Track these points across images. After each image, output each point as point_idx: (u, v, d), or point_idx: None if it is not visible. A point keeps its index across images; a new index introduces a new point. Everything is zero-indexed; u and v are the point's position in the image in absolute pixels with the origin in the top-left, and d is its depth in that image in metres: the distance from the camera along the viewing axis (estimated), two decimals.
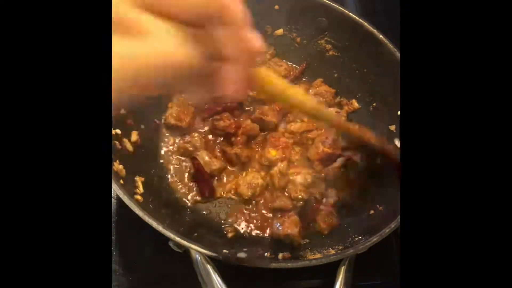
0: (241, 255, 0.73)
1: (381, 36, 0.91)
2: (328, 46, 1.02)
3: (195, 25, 0.36)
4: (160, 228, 0.63)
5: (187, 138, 0.90)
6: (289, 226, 0.80)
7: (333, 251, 0.75)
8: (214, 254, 0.63)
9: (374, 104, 0.97)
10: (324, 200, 0.87)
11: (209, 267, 0.62)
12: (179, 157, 0.90)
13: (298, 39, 1.05)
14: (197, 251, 0.63)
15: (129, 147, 0.83)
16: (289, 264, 0.67)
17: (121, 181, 0.73)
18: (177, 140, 0.92)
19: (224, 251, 0.73)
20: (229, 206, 0.87)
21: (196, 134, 0.91)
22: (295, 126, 0.94)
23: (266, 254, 0.79)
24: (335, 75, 1.04)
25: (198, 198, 0.86)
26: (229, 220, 0.85)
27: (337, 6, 0.96)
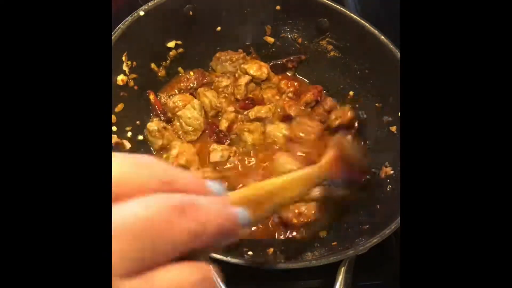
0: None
1: (382, 36, 0.91)
2: (330, 47, 1.02)
3: None
4: None
5: None
6: None
7: (333, 252, 0.75)
8: (214, 254, 0.63)
9: (376, 105, 0.96)
10: None
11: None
12: None
13: (300, 40, 1.05)
14: None
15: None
16: (289, 265, 0.67)
17: None
18: None
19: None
20: None
21: None
22: None
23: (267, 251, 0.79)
24: (337, 76, 1.04)
25: None
26: None
27: (339, 7, 0.96)
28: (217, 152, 0.90)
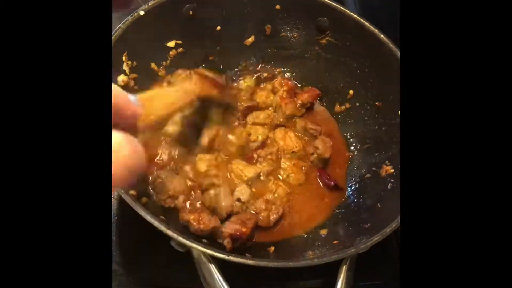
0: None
1: (382, 35, 0.91)
2: (329, 46, 1.02)
3: None
4: (162, 227, 0.63)
5: None
6: None
7: (334, 250, 0.75)
8: (216, 254, 0.63)
9: (376, 103, 0.97)
10: None
11: (211, 266, 0.62)
12: None
13: (300, 39, 1.05)
14: (199, 250, 0.63)
15: None
16: (290, 264, 0.67)
17: None
18: None
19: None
20: None
21: None
22: None
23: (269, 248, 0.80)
24: (336, 75, 1.04)
25: None
26: None
27: (338, 6, 0.96)
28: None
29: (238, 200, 0.84)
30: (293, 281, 0.82)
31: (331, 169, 0.97)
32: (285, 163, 0.94)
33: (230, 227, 0.77)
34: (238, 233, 0.77)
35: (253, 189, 0.88)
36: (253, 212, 0.83)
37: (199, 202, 0.83)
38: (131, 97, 0.47)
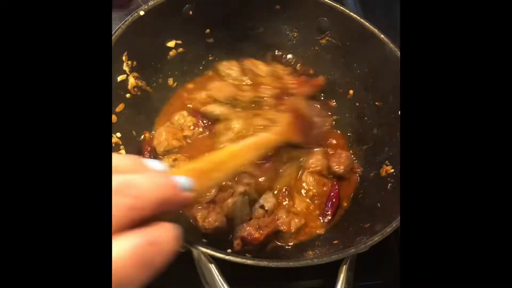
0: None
1: (382, 35, 0.91)
2: (329, 46, 1.02)
3: None
4: None
5: None
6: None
7: (334, 250, 0.75)
8: (216, 254, 0.63)
9: (376, 103, 0.97)
10: None
11: (211, 266, 0.62)
12: None
13: (300, 39, 1.05)
14: (199, 250, 0.63)
15: None
16: (290, 264, 0.67)
17: None
18: None
19: (228, 250, 0.74)
20: None
21: None
22: None
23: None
24: (336, 75, 1.04)
25: None
26: None
27: (339, 6, 0.96)
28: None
29: (262, 207, 0.84)
30: (293, 281, 0.82)
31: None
32: (307, 178, 0.92)
33: (244, 230, 0.77)
34: (250, 237, 0.76)
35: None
36: (275, 218, 0.83)
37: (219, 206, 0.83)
38: (181, 181, 0.40)
